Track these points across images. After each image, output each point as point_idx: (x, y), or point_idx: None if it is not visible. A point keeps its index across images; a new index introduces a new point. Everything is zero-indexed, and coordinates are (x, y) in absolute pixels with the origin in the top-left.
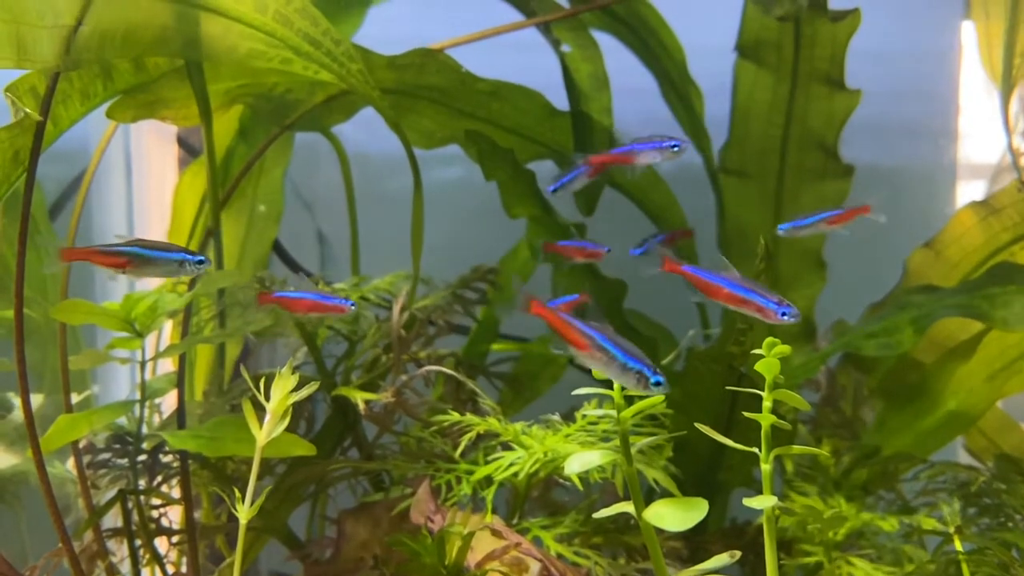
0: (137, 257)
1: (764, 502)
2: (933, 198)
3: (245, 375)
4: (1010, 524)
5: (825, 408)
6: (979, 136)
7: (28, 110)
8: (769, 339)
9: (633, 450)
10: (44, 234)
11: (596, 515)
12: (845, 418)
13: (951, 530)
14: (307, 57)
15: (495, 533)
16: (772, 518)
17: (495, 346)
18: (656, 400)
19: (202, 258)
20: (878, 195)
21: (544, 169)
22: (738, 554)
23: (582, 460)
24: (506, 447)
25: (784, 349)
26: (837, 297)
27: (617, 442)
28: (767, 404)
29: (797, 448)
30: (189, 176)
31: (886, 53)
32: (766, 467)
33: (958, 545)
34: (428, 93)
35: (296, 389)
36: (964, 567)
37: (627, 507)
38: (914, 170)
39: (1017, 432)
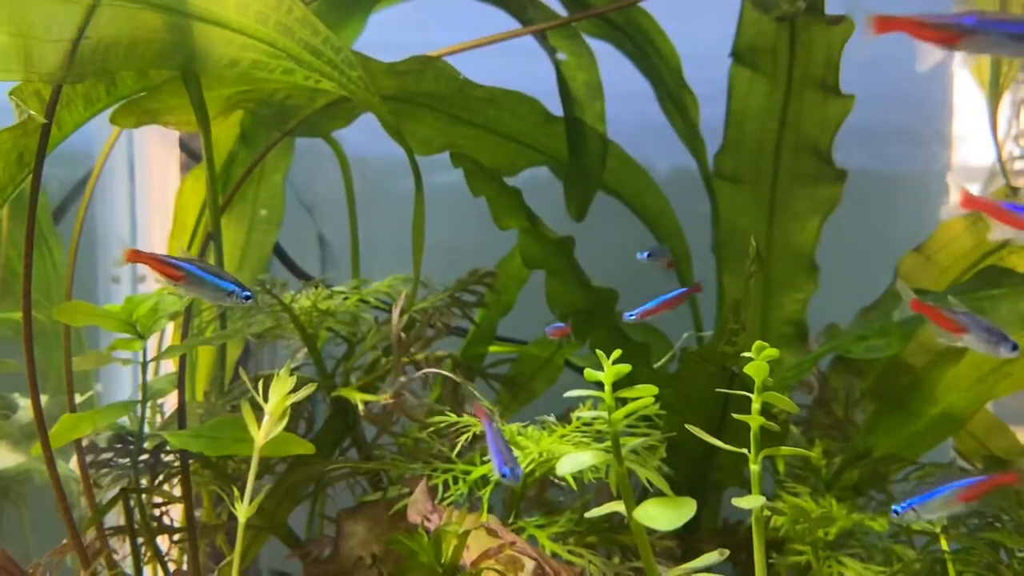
0: (192, 275)
1: (752, 502)
2: (927, 203)
3: (244, 377)
4: (997, 524)
5: (817, 410)
6: (973, 140)
7: (33, 112)
8: (758, 342)
9: (626, 451)
10: (48, 237)
11: (588, 515)
12: (837, 420)
13: (937, 530)
14: (308, 67)
15: (490, 532)
16: (761, 518)
17: (492, 348)
18: (647, 401)
19: (250, 294)
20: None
21: (541, 174)
22: (727, 552)
23: (574, 461)
24: None
25: (773, 352)
26: (833, 301)
27: (609, 443)
28: (756, 406)
29: (786, 449)
30: (191, 180)
31: (879, 59)
32: (755, 467)
33: (944, 545)
34: (426, 100)
35: (294, 390)
36: (950, 566)
37: (618, 507)
38: (908, 175)
39: (1006, 434)
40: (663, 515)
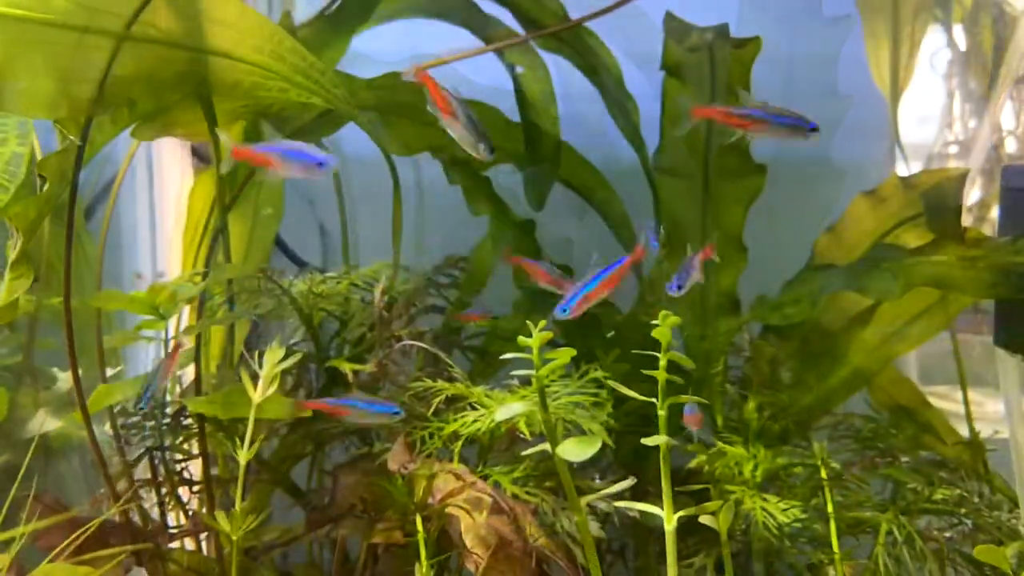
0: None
1: (658, 440)
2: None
3: (245, 353)
4: (897, 464)
5: (749, 370)
6: (916, 122)
7: (72, 137)
8: (663, 311)
9: (570, 405)
10: (81, 234)
11: (523, 453)
12: (766, 378)
13: (818, 463)
14: (299, 86)
15: (456, 477)
16: (668, 455)
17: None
18: (564, 360)
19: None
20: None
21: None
22: (634, 480)
23: (508, 410)
24: (475, 408)
25: (675, 320)
26: (769, 275)
27: (564, 398)
28: (663, 363)
29: (685, 397)
30: (201, 182)
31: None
32: (662, 413)
33: (823, 473)
34: (402, 109)
35: (284, 359)
36: (827, 490)
37: (547, 447)
38: (850, 162)
39: (909, 387)
40: (576, 451)
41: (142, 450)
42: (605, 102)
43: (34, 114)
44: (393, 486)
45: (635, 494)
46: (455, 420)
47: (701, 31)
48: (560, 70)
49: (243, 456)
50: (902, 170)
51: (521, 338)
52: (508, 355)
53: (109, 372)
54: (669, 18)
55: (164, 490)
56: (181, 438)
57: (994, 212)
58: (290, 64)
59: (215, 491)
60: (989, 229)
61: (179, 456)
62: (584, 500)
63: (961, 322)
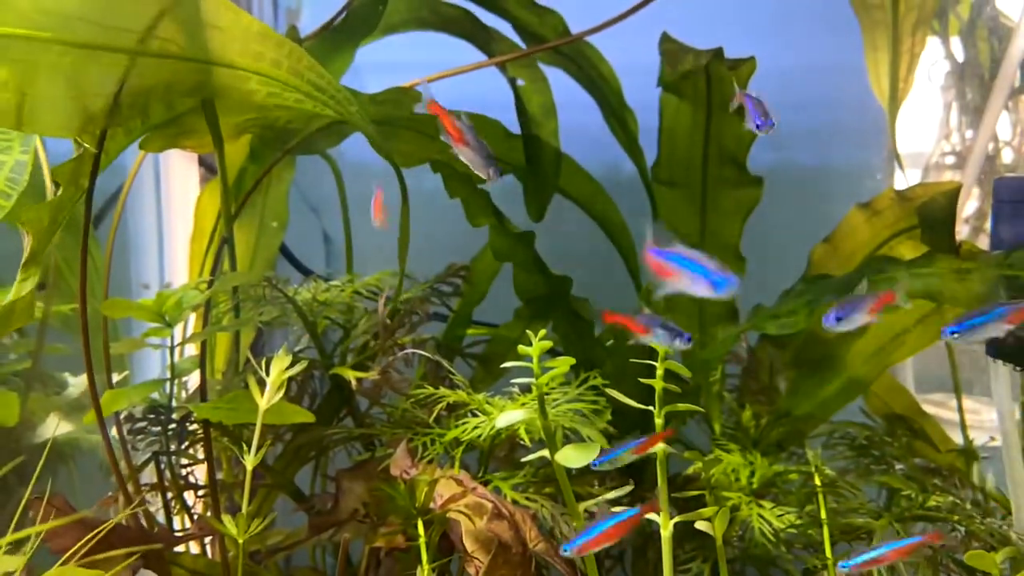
0: None
1: (656, 448)
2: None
3: (252, 359)
4: (891, 471)
5: (747, 378)
6: (913, 132)
7: (87, 146)
8: None
9: (570, 411)
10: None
11: (523, 460)
12: (763, 386)
13: (812, 469)
14: (315, 99)
15: (457, 482)
16: (664, 460)
17: (469, 331)
18: (564, 368)
19: None
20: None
21: (503, 182)
22: (632, 485)
23: (508, 417)
24: (475, 415)
25: None
26: (767, 285)
27: (563, 405)
28: (659, 372)
29: (683, 405)
30: (208, 191)
31: (826, 67)
32: (659, 421)
33: (817, 480)
34: (406, 122)
35: (290, 367)
36: (820, 496)
37: (546, 453)
38: (848, 172)
39: (905, 395)
40: (575, 456)
41: (148, 455)
42: (604, 114)
43: (54, 133)
44: (395, 491)
45: (633, 500)
46: (456, 427)
47: (696, 54)
48: (560, 82)
49: (250, 462)
50: (899, 180)
51: (521, 347)
52: (509, 363)
53: (116, 378)
54: (665, 40)
55: (170, 494)
56: (187, 443)
57: (883, 207)
58: (307, 80)
59: (219, 496)
60: (985, 239)
61: (185, 461)
62: (583, 506)
63: None
